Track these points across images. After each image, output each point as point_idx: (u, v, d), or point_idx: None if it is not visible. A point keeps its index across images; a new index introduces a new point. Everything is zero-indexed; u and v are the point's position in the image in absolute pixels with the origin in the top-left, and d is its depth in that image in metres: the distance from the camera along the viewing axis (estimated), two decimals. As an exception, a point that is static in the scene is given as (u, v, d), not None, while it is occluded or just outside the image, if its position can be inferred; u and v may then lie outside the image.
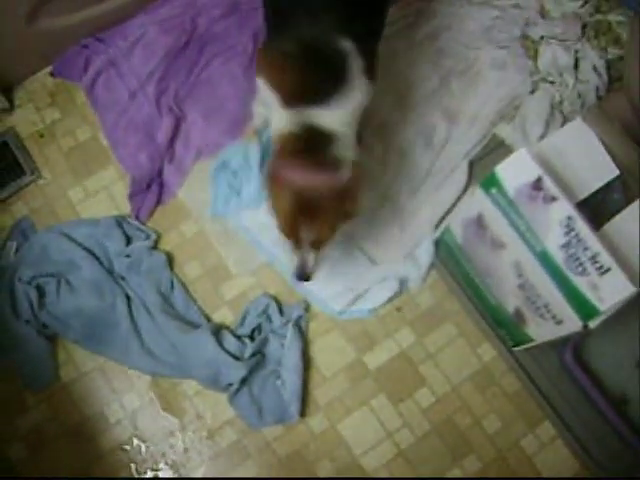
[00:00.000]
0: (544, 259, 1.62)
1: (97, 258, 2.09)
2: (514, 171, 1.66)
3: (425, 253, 2.09)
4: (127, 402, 2.02)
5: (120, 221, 2.13)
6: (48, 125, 2.30)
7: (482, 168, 2.18)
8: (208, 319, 2.05)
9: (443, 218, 2.12)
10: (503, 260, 1.77)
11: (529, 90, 2.29)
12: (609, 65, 2.34)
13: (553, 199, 1.63)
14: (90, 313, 2.02)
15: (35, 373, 2.03)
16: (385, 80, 2.27)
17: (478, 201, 1.73)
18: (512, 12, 2.41)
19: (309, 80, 1.65)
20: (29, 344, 2.02)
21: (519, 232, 1.65)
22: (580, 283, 1.56)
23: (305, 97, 1.64)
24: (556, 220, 1.61)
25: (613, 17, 2.41)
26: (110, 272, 2.08)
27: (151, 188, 2.17)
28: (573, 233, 1.59)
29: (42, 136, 2.29)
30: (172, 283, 2.08)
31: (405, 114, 2.25)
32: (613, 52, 2.36)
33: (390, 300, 2.07)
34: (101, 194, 2.21)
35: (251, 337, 2.01)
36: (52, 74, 2.35)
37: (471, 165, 2.19)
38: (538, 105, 2.25)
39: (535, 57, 2.35)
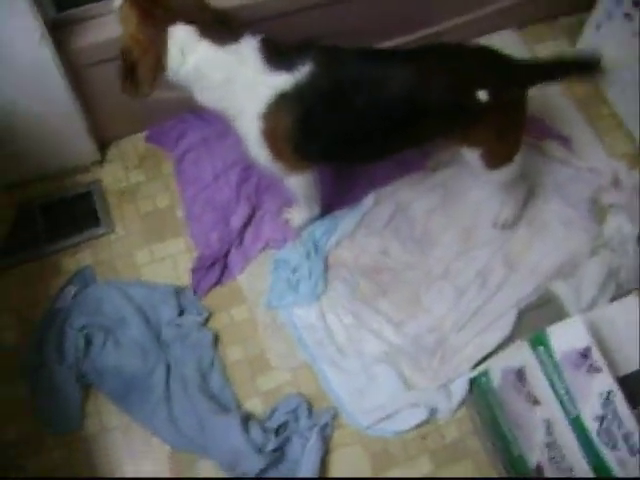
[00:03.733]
0: (577, 425, 1.65)
1: (147, 320, 2.16)
2: (565, 335, 1.70)
3: (459, 389, 2.12)
4: (142, 467, 2.04)
5: (178, 291, 2.21)
6: (132, 185, 2.43)
7: (530, 320, 2.23)
8: (239, 405, 2.09)
9: (483, 359, 2.16)
10: (535, 415, 1.79)
11: (589, 252, 2.35)
12: (671, 244, 2.40)
13: (597, 370, 1.66)
14: (129, 373, 2.08)
15: (61, 416, 2.07)
16: (454, 212, 2.39)
17: (523, 354, 1.77)
18: (587, 175, 2.50)
19: None
20: (64, 389, 2.07)
21: (557, 394, 1.68)
22: (609, 457, 1.59)
23: None
24: (596, 391, 1.65)
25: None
26: (157, 337, 2.14)
27: (214, 267, 2.25)
28: (611, 407, 1.62)
29: (124, 194, 2.41)
30: (213, 362, 2.12)
31: (468, 251, 2.33)
32: (678, 232, 2.43)
33: (417, 426, 2.09)
34: (166, 261, 2.30)
35: (276, 432, 2.03)
36: (146, 139, 2.50)
37: (519, 314, 2.23)
38: (596, 269, 2.30)
39: (601, 222, 2.42)
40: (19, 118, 2.15)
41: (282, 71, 1.80)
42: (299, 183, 2.10)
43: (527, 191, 2.37)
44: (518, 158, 2.08)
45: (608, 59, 2.02)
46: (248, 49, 1.80)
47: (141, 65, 1.77)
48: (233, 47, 1.78)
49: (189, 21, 1.75)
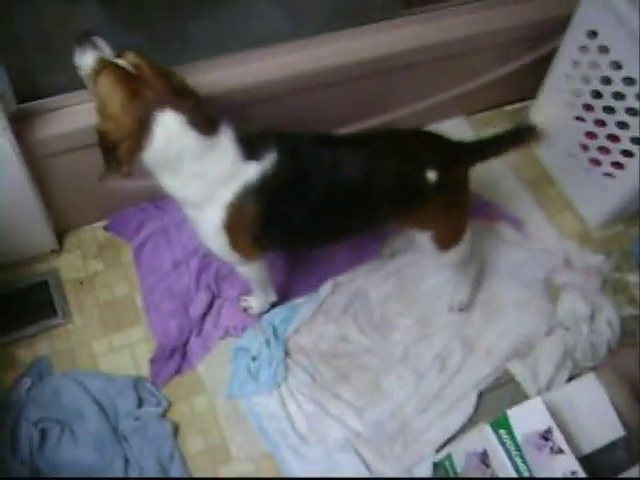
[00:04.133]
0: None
1: (105, 413, 2.11)
2: (526, 417, 1.73)
3: (423, 473, 2.10)
4: None
5: (136, 382, 2.17)
6: (90, 274, 2.41)
7: (490, 401, 2.25)
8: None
9: (446, 442, 2.16)
10: (500, 499, 1.80)
11: (545, 332, 2.39)
12: (623, 321, 2.45)
13: (560, 451, 1.68)
14: (86, 468, 2.03)
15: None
16: (411, 298, 2.43)
17: (485, 438, 1.78)
18: (540, 256, 2.57)
19: None
20: (17, 484, 2.01)
21: (521, 476, 1.69)
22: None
23: None
24: (559, 472, 1.67)
25: (631, 278, 2.57)
26: (115, 430, 2.10)
27: (174, 357, 2.23)
28: (576, 488, 1.64)
29: (81, 283, 2.39)
30: (173, 454, 2.08)
31: (426, 336, 2.35)
32: (628, 310, 2.49)
33: (381, 514, 2.07)
34: (124, 351, 2.27)
35: (238, 526, 1.99)
36: (105, 228, 2.50)
37: (480, 395, 2.25)
38: (551, 348, 2.35)
39: (555, 302, 2.47)
40: (-25, 208, 2.15)
41: (252, 161, 1.79)
42: (251, 271, 2.11)
43: (479, 272, 2.43)
44: (466, 238, 2.13)
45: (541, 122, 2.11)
46: (226, 140, 1.77)
47: (122, 147, 1.67)
48: (215, 138, 1.74)
49: (176, 107, 1.66)
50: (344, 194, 1.92)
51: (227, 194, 1.79)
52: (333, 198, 1.91)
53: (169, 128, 1.66)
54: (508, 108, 3.02)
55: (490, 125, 2.94)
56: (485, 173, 2.67)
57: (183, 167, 1.73)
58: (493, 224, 2.62)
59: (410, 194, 1.97)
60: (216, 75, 2.28)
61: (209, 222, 1.86)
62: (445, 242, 2.10)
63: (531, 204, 2.73)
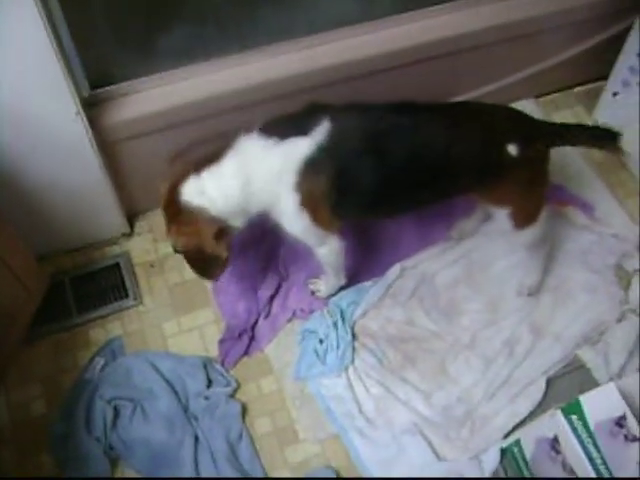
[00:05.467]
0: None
1: (176, 393, 2.16)
2: (599, 403, 1.69)
3: (491, 460, 2.08)
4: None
5: (206, 363, 2.21)
6: (160, 257, 2.46)
7: (559, 387, 2.21)
8: (267, 478, 2.07)
9: (514, 429, 2.13)
10: (571, 486, 1.77)
11: (616, 318, 2.34)
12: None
13: (634, 439, 1.64)
14: (157, 446, 2.08)
15: (90, 491, 2.06)
16: (481, 282, 2.41)
17: (556, 424, 1.75)
18: (610, 241, 2.51)
19: None
20: (92, 461, 2.06)
21: (594, 465, 1.66)
22: (648, 528, 1.56)
23: None
24: (634, 460, 1.63)
25: None
26: (185, 409, 2.14)
27: (242, 338, 2.26)
28: (650, 477, 1.60)
29: (152, 266, 2.45)
30: (241, 434, 2.11)
31: (495, 322, 2.33)
32: None
33: (448, 499, 2.06)
34: (194, 333, 2.32)
35: (305, 506, 2.01)
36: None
37: (548, 382, 2.21)
38: (624, 335, 2.29)
39: (627, 288, 2.41)
40: (52, 191, 2.21)
41: (295, 137, 1.83)
42: (331, 252, 2.12)
43: (549, 255, 2.39)
44: (542, 218, 2.12)
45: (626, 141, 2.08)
46: (245, 144, 1.87)
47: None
48: (229, 155, 1.87)
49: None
50: (423, 162, 1.93)
51: (289, 177, 1.85)
52: (411, 165, 1.92)
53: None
54: (578, 89, 2.95)
55: (558, 107, 2.89)
56: (555, 156, 2.62)
57: (234, 195, 1.88)
58: (562, 208, 2.57)
59: (490, 166, 1.96)
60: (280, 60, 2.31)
61: (288, 209, 1.91)
62: (522, 220, 2.09)
63: (601, 188, 2.67)
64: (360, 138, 1.87)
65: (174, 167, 1.96)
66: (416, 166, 1.93)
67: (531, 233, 2.14)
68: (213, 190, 1.86)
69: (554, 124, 2.11)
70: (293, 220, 1.95)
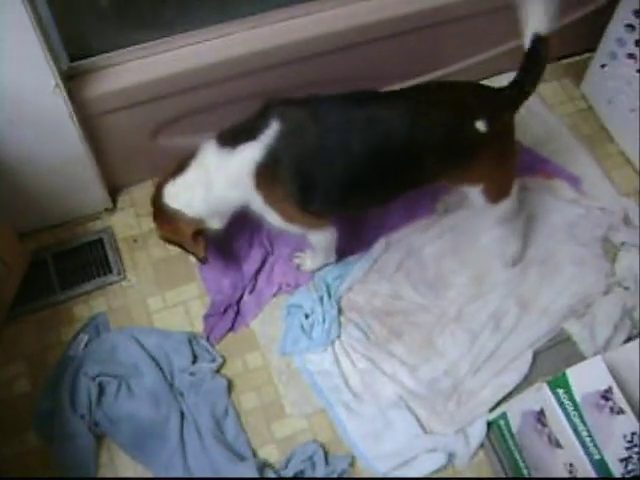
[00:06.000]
0: (600, 468, 1.63)
1: (161, 369, 2.15)
2: (585, 376, 1.69)
3: (477, 432, 2.09)
4: (157, 518, 2.02)
5: (191, 338, 2.20)
6: (144, 232, 2.43)
7: (545, 360, 2.22)
8: (254, 453, 2.06)
9: (500, 402, 2.14)
10: (557, 458, 1.77)
11: (603, 291, 2.34)
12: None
13: (620, 412, 1.65)
14: (142, 421, 2.07)
15: (75, 467, 2.05)
16: (467, 256, 2.39)
17: (542, 397, 1.75)
18: (597, 213, 2.50)
19: None
20: (77, 438, 2.06)
21: (579, 437, 1.66)
22: (635, 500, 1.57)
23: None
24: (620, 433, 1.63)
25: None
26: (170, 385, 2.13)
27: (227, 313, 2.25)
28: (636, 449, 1.60)
29: (135, 241, 2.42)
30: (227, 410, 2.11)
31: (481, 295, 2.32)
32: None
33: (435, 472, 2.06)
34: (178, 308, 2.30)
35: (292, 481, 2.02)
36: (158, 186, 2.51)
37: (535, 355, 2.22)
38: (610, 308, 2.30)
39: (613, 261, 2.41)
40: (32, 166, 2.17)
41: (244, 143, 1.85)
42: (321, 238, 2.14)
43: (527, 224, 2.39)
44: (514, 190, 2.10)
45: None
46: (205, 153, 1.92)
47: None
48: (193, 164, 1.94)
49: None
50: (384, 151, 1.88)
51: (248, 180, 1.88)
52: (372, 157, 1.88)
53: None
54: (566, 62, 2.92)
55: (546, 79, 2.86)
56: (541, 129, 2.62)
57: (198, 203, 1.96)
58: (549, 181, 2.56)
59: (460, 147, 1.92)
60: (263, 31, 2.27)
61: (258, 205, 1.94)
62: (495, 194, 2.07)
63: (588, 161, 2.65)
64: (313, 134, 1.85)
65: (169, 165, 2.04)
66: (378, 157, 1.89)
67: (506, 206, 2.13)
68: (183, 196, 1.97)
69: (511, 84, 2.02)
70: (269, 216, 1.98)
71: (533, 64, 1.94)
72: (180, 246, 2.10)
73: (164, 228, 2.06)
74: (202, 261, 2.11)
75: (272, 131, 1.83)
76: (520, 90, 1.96)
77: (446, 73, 2.67)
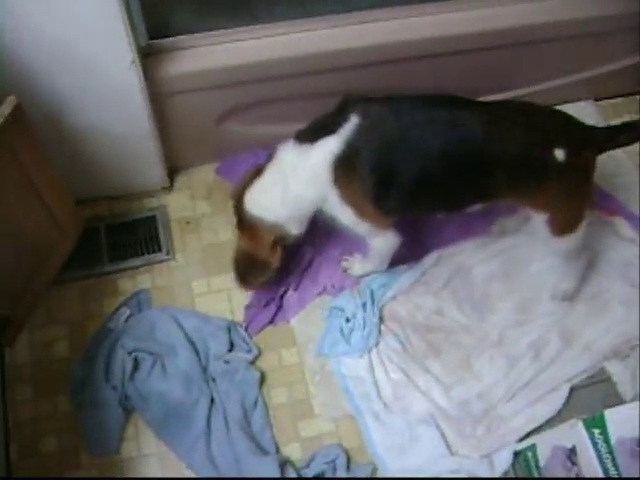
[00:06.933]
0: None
1: (197, 352, 2.16)
2: (623, 420, 1.66)
3: (503, 460, 2.06)
4: (174, 498, 2.03)
5: (230, 326, 2.21)
6: (197, 215, 2.46)
7: (581, 397, 2.17)
8: (278, 448, 2.07)
9: (530, 433, 2.10)
10: (582, 499, 1.74)
11: (648, 335, 2.29)
12: None
13: (655, 461, 1.61)
14: (172, 402, 2.08)
15: (99, 438, 2.07)
16: (515, 281, 2.36)
17: (577, 435, 1.72)
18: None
19: None
20: (106, 409, 2.08)
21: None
22: None
23: None
24: (651, 482, 1.59)
25: None
26: (204, 370, 2.14)
27: (269, 307, 2.25)
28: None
29: (188, 223, 2.44)
30: (256, 402, 2.11)
31: (525, 321, 2.29)
32: None
33: (455, 494, 2.04)
34: (222, 295, 2.31)
35: (312, 481, 2.02)
36: (216, 171, 2.53)
37: (571, 390, 2.18)
38: (654, 353, 2.25)
39: (663, 305, 2.36)
40: (97, 136, 2.21)
41: (324, 138, 1.86)
42: (383, 243, 2.14)
43: (588, 264, 2.34)
44: (582, 228, 2.05)
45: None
46: (282, 154, 1.95)
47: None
48: (269, 167, 1.99)
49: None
50: (458, 158, 1.88)
51: (326, 174, 1.89)
52: (446, 161, 1.88)
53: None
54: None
55: (619, 113, 2.81)
56: (608, 164, 2.56)
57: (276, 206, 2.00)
58: (610, 217, 2.51)
59: (533, 169, 1.91)
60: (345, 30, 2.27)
61: (334, 203, 1.95)
62: (560, 228, 2.03)
63: (653, 202, 2.60)
64: (391, 132, 1.85)
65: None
66: (453, 161, 1.88)
67: (569, 241, 2.09)
68: (262, 200, 2.01)
69: (602, 128, 2.03)
70: (341, 214, 1.98)
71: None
72: (250, 257, 2.09)
73: (245, 236, 2.08)
74: (271, 273, 2.13)
75: (352, 125, 1.84)
76: (611, 138, 1.98)
77: (519, 94, 2.65)
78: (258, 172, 2.01)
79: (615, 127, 2.05)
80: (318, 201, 1.97)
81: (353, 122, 1.84)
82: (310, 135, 1.90)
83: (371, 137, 1.85)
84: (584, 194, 2.02)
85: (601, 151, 1.96)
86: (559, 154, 1.85)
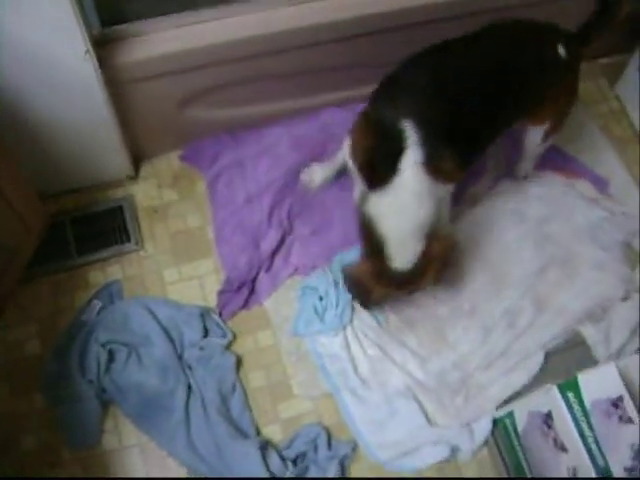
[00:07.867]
0: (603, 475, 1.61)
1: (172, 340, 2.15)
2: (597, 382, 1.68)
3: (482, 429, 2.09)
4: (158, 488, 2.03)
5: (203, 313, 2.20)
6: (164, 203, 2.43)
7: (556, 362, 2.20)
8: (258, 431, 2.07)
9: (508, 400, 2.12)
10: (561, 462, 1.76)
11: (621, 296, 2.31)
12: None
13: (629, 421, 1.63)
14: (149, 392, 2.08)
15: (79, 432, 2.07)
16: (487, 251, 2.37)
17: (551, 399, 1.74)
18: (619, 218, 2.47)
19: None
20: (84, 403, 2.07)
21: (585, 443, 1.65)
22: (637, 511, 1.56)
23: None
24: (627, 442, 1.62)
25: None
26: (179, 358, 2.13)
27: (241, 290, 2.24)
28: (642, 460, 1.59)
29: (156, 212, 2.41)
30: (234, 386, 2.11)
31: (498, 292, 2.30)
32: None
33: (437, 464, 2.06)
34: (193, 282, 2.30)
35: (294, 461, 2.02)
36: (181, 158, 2.50)
37: (546, 356, 2.20)
38: (627, 314, 2.27)
39: (633, 267, 2.37)
40: (57, 129, 2.16)
41: (398, 162, 1.84)
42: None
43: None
44: None
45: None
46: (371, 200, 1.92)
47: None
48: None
49: None
50: (498, 83, 1.94)
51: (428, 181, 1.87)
52: (492, 86, 1.93)
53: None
54: (602, 62, 2.87)
55: (582, 78, 2.80)
56: (571, 127, 2.57)
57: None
58: (574, 179, 2.53)
59: (546, 71, 2.00)
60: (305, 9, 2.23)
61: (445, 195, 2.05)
62: (552, 134, 2.19)
63: (617, 163, 2.61)
64: (442, 106, 1.87)
65: None
66: (495, 85, 1.93)
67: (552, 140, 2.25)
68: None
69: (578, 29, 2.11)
70: (448, 196, 2.11)
71: (604, 14, 2.07)
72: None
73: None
74: (373, 302, 2.14)
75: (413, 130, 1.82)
76: (588, 32, 2.08)
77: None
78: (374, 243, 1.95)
79: (587, 24, 2.10)
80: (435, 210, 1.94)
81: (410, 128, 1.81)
82: (383, 174, 1.86)
83: (432, 124, 1.83)
84: (576, 90, 2.15)
85: (583, 43, 2.07)
86: (561, 50, 1.98)
